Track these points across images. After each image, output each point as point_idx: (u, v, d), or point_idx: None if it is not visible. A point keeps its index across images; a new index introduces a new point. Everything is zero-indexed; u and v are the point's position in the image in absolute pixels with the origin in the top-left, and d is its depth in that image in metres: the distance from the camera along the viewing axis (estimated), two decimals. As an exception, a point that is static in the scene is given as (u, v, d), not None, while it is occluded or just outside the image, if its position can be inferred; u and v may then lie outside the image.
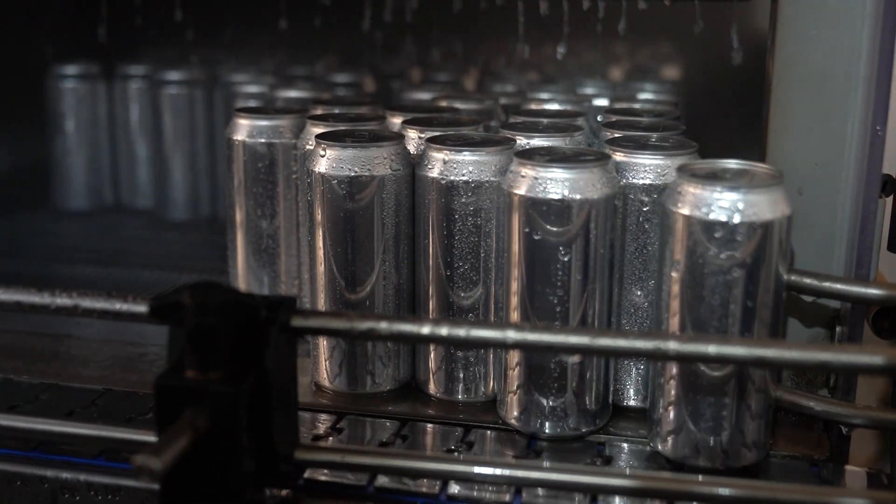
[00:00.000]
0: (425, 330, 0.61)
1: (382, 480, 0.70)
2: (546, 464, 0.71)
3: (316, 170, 0.79)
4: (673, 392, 0.71)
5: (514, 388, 0.76)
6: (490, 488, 0.69)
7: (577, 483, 0.62)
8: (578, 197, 0.71)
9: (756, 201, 0.67)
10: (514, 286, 0.74)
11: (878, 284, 0.72)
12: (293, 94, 1.22)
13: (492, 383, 0.82)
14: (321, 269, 0.81)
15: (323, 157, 0.79)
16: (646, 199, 0.77)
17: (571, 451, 0.75)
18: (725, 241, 0.67)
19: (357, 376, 0.83)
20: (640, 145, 0.79)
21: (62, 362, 0.92)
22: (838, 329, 0.76)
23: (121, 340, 0.96)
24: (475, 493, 0.69)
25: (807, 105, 0.74)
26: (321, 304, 0.82)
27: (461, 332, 0.61)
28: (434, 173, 0.78)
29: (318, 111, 0.96)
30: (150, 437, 0.63)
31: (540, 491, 0.69)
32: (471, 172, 0.78)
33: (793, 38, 0.74)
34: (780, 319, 0.71)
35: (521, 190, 0.72)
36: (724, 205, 0.67)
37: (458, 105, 1.02)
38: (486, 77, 1.38)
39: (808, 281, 0.71)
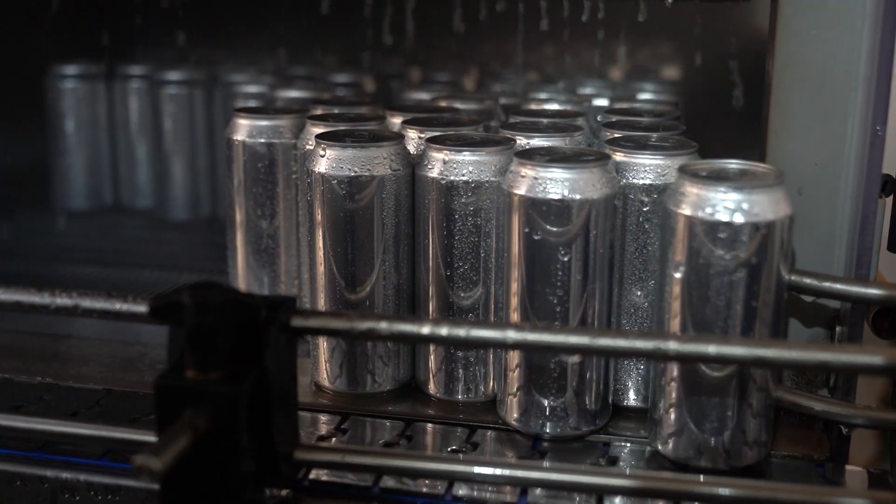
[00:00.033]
0: (425, 330, 0.61)
1: (388, 481, 0.70)
2: (546, 464, 0.71)
3: (316, 170, 0.79)
4: (674, 392, 0.71)
5: (514, 388, 0.76)
6: (490, 489, 0.69)
7: (578, 483, 0.62)
8: (578, 197, 0.71)
9: (758, 201, 0.67)
10: (514, 286, 0.74)
11: (878, 284, 0.72)
12: (293, 94, 1.22)
13: (492, 383, 0.82)
14: (321, 269, 0.81)
15: (323, 157, 0.79)
16: (646, 199, 0.77)
17: (577, 451, 0.75)
18: (727, 242, 0.67)
19: (357, 376, 0.83)
20: (640, 145, 0.79)
21: (62, 362, 0.92)
22: (838, 329, 0.76)
23: (121, 340, 0.96)
24: (478, 494, 0.69)
25: (807, 105, 0.74)
26: (321, 304, 0.82)
27: (461, 332, 0.61)
28: (434, 173, 0.78)
29: (318, 111, 0.96)
30: (150, 437, 0.63)
31: (544, 491, 0.69)
32: (471, 172, 0.78)
33: (793, 38, 0.74)
34: (782, 319, 0.71)
35: (521, 190, 0.72)
36: (726, 205, 0.67)
37: (458, 105, 1.02)
38: (486, 77, 1.38)
39: (808, 281, 0.71)
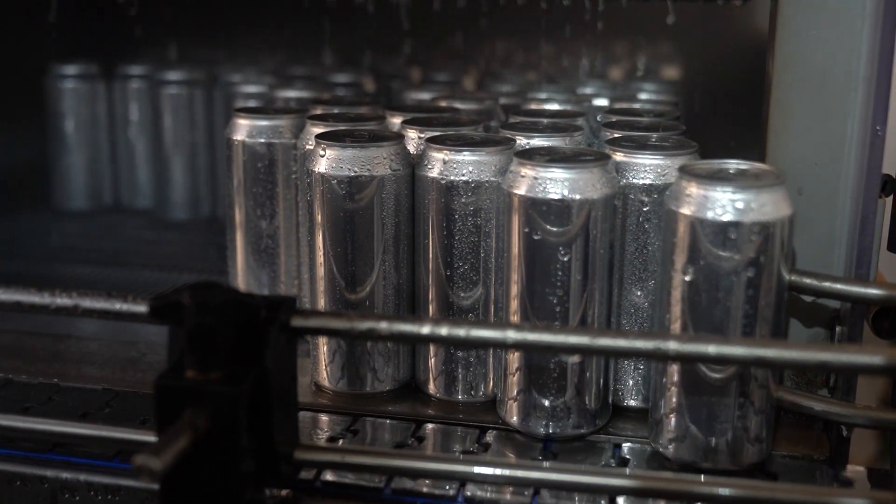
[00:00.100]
0: (425, 330, 0.61)
1: (400, 483, 0.70)
2: (546, 464, 0.71)
3: (316, 170, 0.79)
4: (674, 392, 0.71)
5: (514, 388, 0.76)
6: (492, 489, 0.69)
7: (578, 483, 0.62)
8: (578, 197, 0.71)
9: (759, 201, 0.67)
10: (514, 286, 0.74)
11: (878, 284, 0.72)
12: (293, 94, 1.22)
13: (492, 384, 0.82)
14: (321, 269, 0.81)
15: (323, 157, 0.79)
16: (646, 199, 0.77)
17: (585, 452, 0.75)
18: (728, 242, 0.67)
19: (357, 376, 0.83)
20: (640, 145, 0.79)
21: (62, 362, 0.92)
22: (838, 329, 0.76)
23: (121, 340, 0.96)
24: (490, 495, 0.69)
25: (807, 105, 0.74)
26: (321, 304, 0.82)
27: (461, 332, 0.61)
28: (434, 173, 0.78)
29: (318, 111, 0.96)
30: (150, 437, 0.63)
31: (556, 491, 0.69)
32: (471, 172, 0.78)
33: (793, 38, 0.74)
34: (783, 319, 0.71)
35: (521, 190, 0.72)
36: (727, 205, 0.67)
37: (458, 105, 1.02)
38: (486, 77, 1.38)
39: (807, 281, 0.71)
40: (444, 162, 0.78)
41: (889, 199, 0.77)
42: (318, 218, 0.80)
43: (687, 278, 0.68)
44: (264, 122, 0.91)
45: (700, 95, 1.31)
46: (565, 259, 0.72)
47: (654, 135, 0.82)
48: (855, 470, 0.74)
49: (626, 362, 0.80)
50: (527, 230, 0.72)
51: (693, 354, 0.58)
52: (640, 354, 0.63)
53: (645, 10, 1.02)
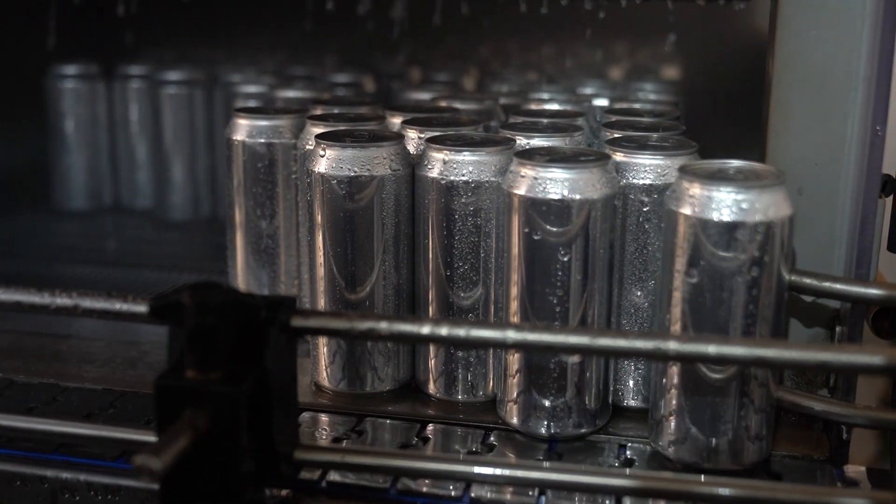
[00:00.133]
0: (425, 330, 0.61)
1: (404, 484, 0.70)
2: (546, 464, 0.71)
3: (316, 170, 0.79)
4: (675, 392, 0.71)
5: (514, 388, 0.76)
6: (494, 490, 0.69)
7: (578, 483, 0.62)
8: (578, 197, 0.71)
9: (759, 201, 0.67)
10: (514, 286, 0.74)
11: (878, 284, 0.72)
12: (293, 94, 1.22)
13: (492, 384, 0.82)
14: (321, 269, 0.81)
15: (323, 157, 0.79)
16: (646, 199, 0.77)
17: (586, 452, 0.75)
18: (728, 242, 0.67)
19: (357, 376, 0.83)
20: (640, 145, 0.79)
21: (62, 362, 0.92)
22: (838, 329, 0.76)
23: (121, 340, 0.96)
24: (495, 496, 0.69)
25: (807, 105, 0.74)
26: (321, 304, 0.82)
27: (461, 332, 0.60)
28: (434, 173, 0.78)
29: (318, 111, 0.96)
30: (150, 437, 0.63)
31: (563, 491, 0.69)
32: (471, 172, 0.78)
33: (793, 38, 0.74)
34: (783, 319, 0.71)
35: (521, 190, 0.72)
36: (727, 205, 0.67)
37: (458, 105, 1.02)
38: (486, 77, 1.38)
39: (807, 281, 0.71)
40: (444, 162, 0.78)
41: (889, 199, 0.77)
42: (318, 218, 0.80)
43: (687, 278, 0.68)
44: (264, 122, 0.91)
45: (700, 95, 1.31)
46: (565, 259, 0.72)
47: (654, 135, 0.82)
48: (855, 470, 0.74)
49: (626, 362, 0.80)
50: (527, 230, 0.72)
51: (693, 354, 0.58)
52: (640, 354, 0.63)
53: (645, 10, 1.02)
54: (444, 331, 0.61)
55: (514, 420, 0.77)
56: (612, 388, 0.79)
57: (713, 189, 0.67)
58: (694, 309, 0.69)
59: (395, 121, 0.93)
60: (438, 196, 0.78)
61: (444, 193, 0.78)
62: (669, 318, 0.70)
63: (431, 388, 0.83)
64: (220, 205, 1.38)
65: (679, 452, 0.72)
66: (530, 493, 0.69)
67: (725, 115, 1.28)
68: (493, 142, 0.80)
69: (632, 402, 0.80)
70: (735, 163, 0.72)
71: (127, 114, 1.43)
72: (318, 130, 0.85)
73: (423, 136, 0.85)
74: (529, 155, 0.75)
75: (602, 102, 1.18)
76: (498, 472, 0.62)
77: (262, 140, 0.90)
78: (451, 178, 0.78)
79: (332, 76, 1.36)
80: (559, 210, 0.71)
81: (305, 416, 0.81)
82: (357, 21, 1.26)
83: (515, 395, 0.76)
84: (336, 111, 0.97)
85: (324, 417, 0.81)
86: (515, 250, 0.73)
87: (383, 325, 0.62)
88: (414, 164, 0.81)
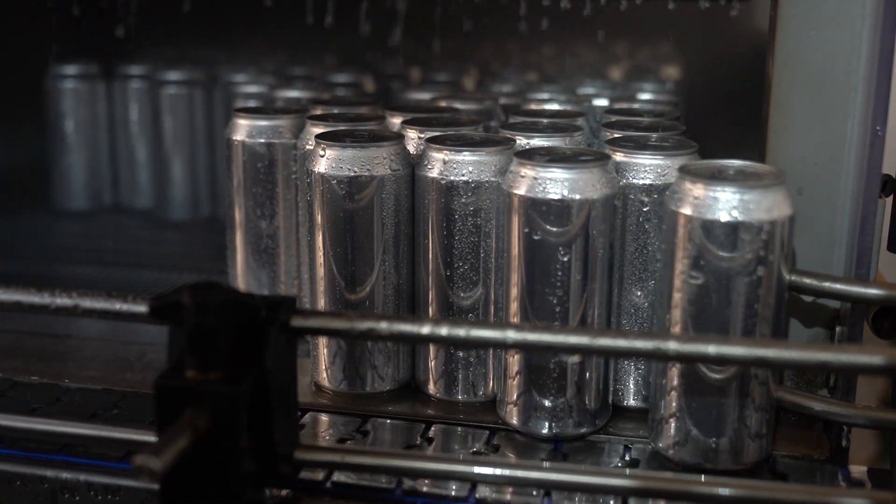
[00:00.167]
0: (425, 330, 0.61)
1: (410, 484, 0.70)
2: (546, 464, 0.71)
3: (315, 170, 0.79)
4: (675, 393, 0.71)
5: (514, 388, 0.76)
6: (497, 490, 0.69)
7: (578, 483, 0.62)
8: (578, 197, 0.71)
9: (759, 201, 0.67)
10: (514, 286, 0.74)
11: (878, 284, 0.72)
12: (293, 94, 1.22)
13: (492, 384, 0.82)
14: (321, 269, 0.81)
15: (322, 157, 0.79)
16: (646, 199, 0.77)
17: (586, 452, 0.75)
18: (729, 242, 0.67)
19: (357, 376, 0.83)
20: (640, 145, 0.79)
21: (62, 362, 0.92)
22: (838, 329, 0.76)
23: (121, 340, 0.96)
24: (500, 496, 0.69)
25: (807, 105, 0.74)
26: (321, 304, 0.82)
27: (461, 332, 0.60)
28: (434, 173, 0.78)
29: (318, 111, 0.96)
30: (150, 437, 0.63)
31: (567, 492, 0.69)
32: (471, 172, 0.78)
33: (793, 38, 0.74)
34: (783, 319, 0.71)
35: (521, 190, 0.72)
36: (728, 205, 0.67)
37: (458, 105, 1.02)
38: (486, 77, 1.38)
39: (807, 281, 0.71)
40: (444, 162, 0.78)
41: (889, 199, 0.77)
42: (318, 218, 0.80)
43: (688, 279, 0.68)
44: (264, 122, 0.91)
45: (700, 95, 1.31)
46: (565, 259, 0.72)
47: (654, 135, 0.82)
48: (855, 470, 0.74)
49: (626, 362, 0.80)
50: (527, 230, 0.72)
51: (693, 354, 0.58)
52: (640, 354, 0.63)
53: (645, 9, 1.02)
54: (444, 331, 0.61)
55: (515, 420, 0.77)
56: (612, 388, 0.79)
57: (714, 189, 0.67)
58: (695, 309, 0.69)
59: (395, 121, 0.93)
60: (438, 196, 0.78)
61: (444, 193, 0.78)
62: (670, 318, 0.70)
63: (431, 388, 0.83)
64: (220, 205, 1.38)
65: (679, 453, 0.72)
66: (534, 493, 0.69)
67: (725, 115, 1.28)
68: (493, 142, 0.80)
69: (632, 402, 0.80)
70: (735, 163, 0.72)
71: (127, 114, 1.42)
72: (318, 130, 0.85)
73: (423, 136, 0.85)
74: (529, 155, 0.75)
75: (602, 102, 1.18)
76: (498, 472, 0.62)
77: (262, 140, 0.90)
78: (451, 178, 0.78)
79: (332, 76, 1.36)
80: (559, 210, 0.71)
81: (316, 417, 0.81)
82: (357, 21, 1.26)
83: (515, 395, 0.76)
84: (336, 111, 0.97)
85: (328, 418, 0.81)
86: (515, 250, 0.73)
87: (383, 325, 0.62)
88: (414, 164, 0.81)
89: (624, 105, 1.09)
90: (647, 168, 0.77)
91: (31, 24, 1.37)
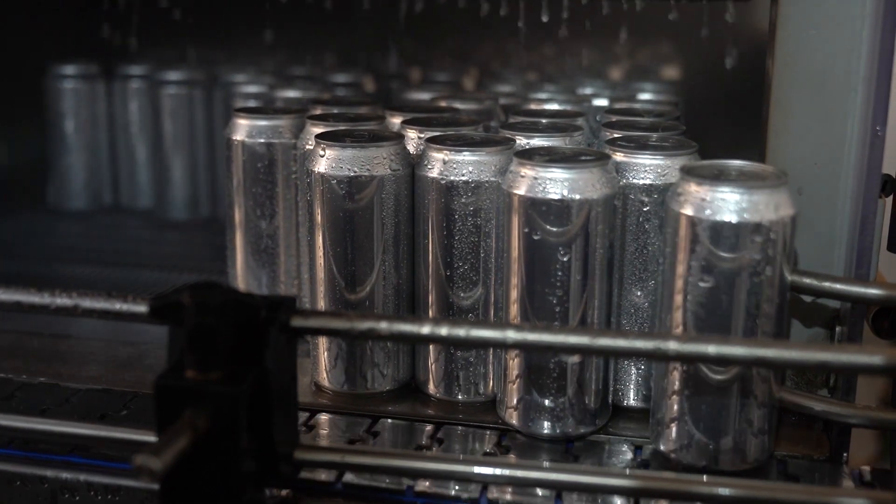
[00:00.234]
0: (425, 330, 0.61)
1: (422, 485, 0.70)
2: (546, 464, 0.71)
3: (315, 170, 0.79)
4: (677, 393, 0.71)
5: (514, 388, 0.76)
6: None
7: (578, 483, 0.62)
8: (578, 197, 0.71)
9: (761, 202, 0.67)
10: (514, 286, 0.74)
11: (878, 284, 0.72)
12: (293, 94, 1.22)
13: (491, 383, 0.82)
14: (321, 269, 0.81)
15: (322, 157, 0.79)
16: (646, 199, 0.77)
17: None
18: (730, 242, 0.67)
19: (357, 376, 0.83)
20: (640, 145, 0.79)
21: (62, 362, 0.92)
22: (838, 329, 0.76)
23: (121, 340, 0.96)
24: (512, 498, 0.69)
25: (807, 105, 0.74)
26: (321, 304, 0.82)
27: (461, 332, 0.60)
28: (434, 173, 0.78)
29: (318, 111, 0.96)
30: (150, 437, 0.63)
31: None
32: (470, 172, 0.78)
33: (793, 38, 0.74)
34: (785, 320, 0.71)
35: (521, 190, 0.72)
36: (730, 206, 0.67)
37: (458, 105, 1.02)
38: (486, 77, 1.38)
39: (807, 281, 0.71)
40: (444, 162, 0.78)
41: (889, 199, 0.77)
42: (318, 218, 0.80)
43: (689, 279, 0.68)
44: (264, 122, 0.91)
45: (700, 95, 1.31)
46: (565, 259, 0.72)
47: (654, 135, 0.82)
48: (855, 470, 0.74)
49: (626, 362, 0.80)
50: (527, 230, 0.72)
51: (693, 354, 0.58)
52: (640, 354, 0.63)
53: (645, 9, 1.02)
54: (444, 331, 0.61)
55: (514, 420, 0.77)
56: (612, 388, 0.79)
57: (716, 190, 0.67)
58: (698, 310, 0.69)
59: (395, 121, 0.93)
60: (438, 196, 0.78)
61: (444, 193, 0.78)
62: (671, 318, 0.70)
63: (431, 388, 0.83)
64: (220, 205, 1.38)
65: (680, 453, 0.72)
66: (538, 492, 0.69)
67: (725, 115, 1.28)
68: (493, 142, 0.80)
69: (632, 402, 0.80)
70: (737, 163, 0.72)
71: (127, 114, 1.42)
72: (318, 130, 0.85)
73: (423, 136, 0.85)
74: (529, 155, 0.75)
75: (602, 102, 1.18)
76: (498, 471, 0.62)
77: (262, 140, 0.90)
78: (451, 178, 0.78)
79: (332, 76, 1.36)
80: (559, 210, 0.71)
81: (324, 418, 0.81)
82: (357, 21, 1.26)
83: (515, 394, 0.76)
84: (336, 111, 0.97)
85: (334, 418, 0.81)
86: (515, 250, 0.73)
87: (383, 325, 0.62)
88: (414, 164, 0.81)
89: (624, 105, 1.09)
90: (647, 168, 0.77)
91: (31, 24, 1.37)
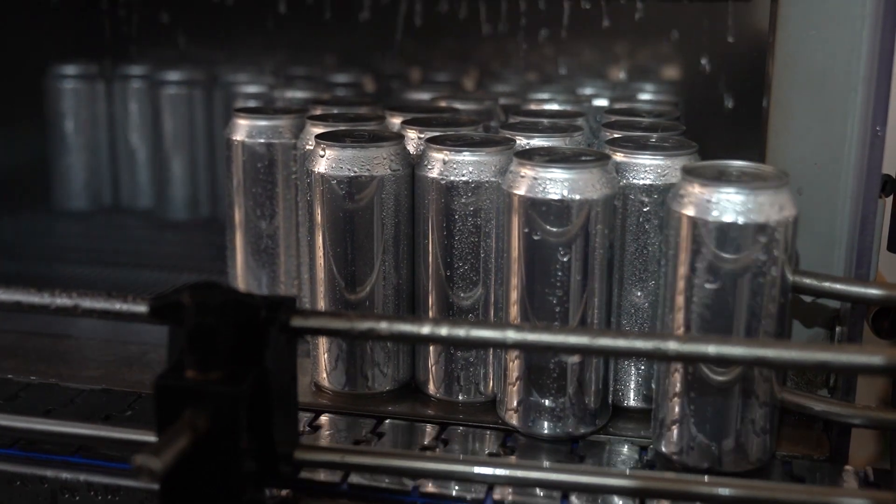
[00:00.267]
0: (425, 330, 0.61)
1: (430, 487, 0.70)
2: (546, 464, 0.71)
3: (315, 170, 0.79)
4: (678, 394, 0.71)
5: (514, 388, 0.76)
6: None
7: (578, 483, 0.62)
8: (578, 197, 0.71)
9: (763, 202, 0.67)
10: (514, 287, 0.74)
11: (878, 284, 0.72)
12: (293, 94, 1.22)
13: (492, 383, 0.82)
14: (321, 269, 0.81)
15: (322, 157, 0.79)
16: (646, 199, 0.77)
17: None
18: (732, 243, 0.67)
19: (357, 376, 0.83)
20: (640, 146, 0.79)
21: (62, 362, 0.92)
22: (838, 329, 0.76)
23: (121, 340, 0.96)
24: (516, 498, 0.69)
25: (807, 105, 0.74)
26: (321, 304, 0.82)
27: (461, 332, 0.60)
28: (434, 173, 0.78)
29: (318, 111, 0.96)
30: (150, 437, 0.63)
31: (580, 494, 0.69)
32: (470, 173, 0.78)
33: (793, 38, 0.74)
34: (786, 320, 0.71)
35: (521, 190, 0.72)
36: (731, 206, 0.67)
37: (458, 105, 1.02)
38: (486, 77, 1.38)
39: (807, 281, 0.71)
40: (444, 162, 0.78)
41: (889, 199, 0.77)
42: (318, 218, 0.80)
43: (691, 280, 0.68)
44: (264, 122, 0.91)
45: (700, 95, 1.31)
46: (565, 259, 0.72)
47: (654, 135, 0.82)
48: (855, 470, 0.74)
49: (626, 362, 0.80)
50: (527, 230, 0.72)
51: (693, 354, 0.58)
52: (640, 354, 0.63)
53: (646, 9, 1.02)
54: (444, 331, 0.61)
55: (515, 421, 0.77)
56: (612, 388, 0.79)
57: (717, 190, 0.67)
58: (700, 310, 0.68)
59: (395, 121, 0.93)
60: (438, 196, 0.78)
61: (444, 193, 0.78)
62: (672, 319, 0.70)
63: (431, 388, 0.83)
64: (220, 205, 1.38)
65: (681, 454, 0.72)
66: (542, 492, 0.69)
67: (725, 115, 1.28)
68: (493, 142, 0.80)
69: (632, 402, 0.80)
70: (738, 163, 0.72)
71: (127, 114, 1.42)
72: (318, 130, 0.85)
73: (422, 136, 0.85)
74: (529, 155, 0.75)
75: (602, 102, 1.18)
76: (498, 472, 0.62)
77: (262, 140, 0.90)
78: (451, 178, 0.78)
79: (332, 76, 1.36)
80: (559, 210, 0.71)
81: (330, 419, 0.81)
82: (357, 21, 1.26)
83: (515, 394, 0.76)
84: (336, 111, 0.97)
85: (334, 419, 0.81)
86: (515, 250, 0.73)
87: (383, 325, 0.62)
88: (414, 164, 0.81)
89: (624, 105, 1.09)
90: (647, 168, 0.77)
91: (31, 24, 1.37)
